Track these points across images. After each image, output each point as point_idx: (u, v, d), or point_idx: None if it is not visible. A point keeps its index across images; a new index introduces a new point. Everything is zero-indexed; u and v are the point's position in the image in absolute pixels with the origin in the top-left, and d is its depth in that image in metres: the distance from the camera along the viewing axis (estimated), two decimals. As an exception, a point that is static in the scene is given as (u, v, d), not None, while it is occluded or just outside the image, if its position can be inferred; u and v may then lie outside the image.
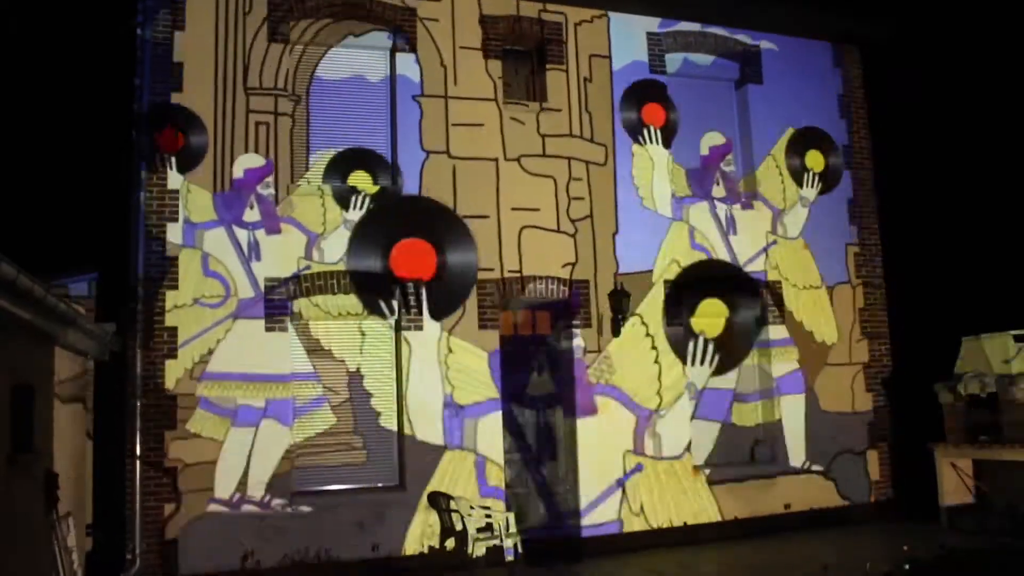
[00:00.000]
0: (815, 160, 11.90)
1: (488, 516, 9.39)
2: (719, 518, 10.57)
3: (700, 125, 11.66)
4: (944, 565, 8.21)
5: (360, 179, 10.11)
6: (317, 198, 9.77)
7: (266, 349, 9.30)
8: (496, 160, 10.37)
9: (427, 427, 9.67)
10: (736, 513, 10.67)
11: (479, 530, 9.29)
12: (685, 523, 10.41)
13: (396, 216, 9.93)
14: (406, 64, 10.26)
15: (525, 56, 11.02)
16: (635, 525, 10.20)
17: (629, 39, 11.21)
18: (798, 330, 11.40)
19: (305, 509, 9.13)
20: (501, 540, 9.11)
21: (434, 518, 9.50)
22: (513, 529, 9.26)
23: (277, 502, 9.06)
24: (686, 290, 10.93)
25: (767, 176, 11.64)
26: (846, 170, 12.05)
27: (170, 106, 9.35)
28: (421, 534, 9.45)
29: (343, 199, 9.82)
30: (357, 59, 10.36)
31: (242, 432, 9.09)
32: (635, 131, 11.03)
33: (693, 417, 10.90)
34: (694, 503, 10.52)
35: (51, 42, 11.20)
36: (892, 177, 12.45)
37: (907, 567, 8.05)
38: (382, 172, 10.16)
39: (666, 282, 10.80)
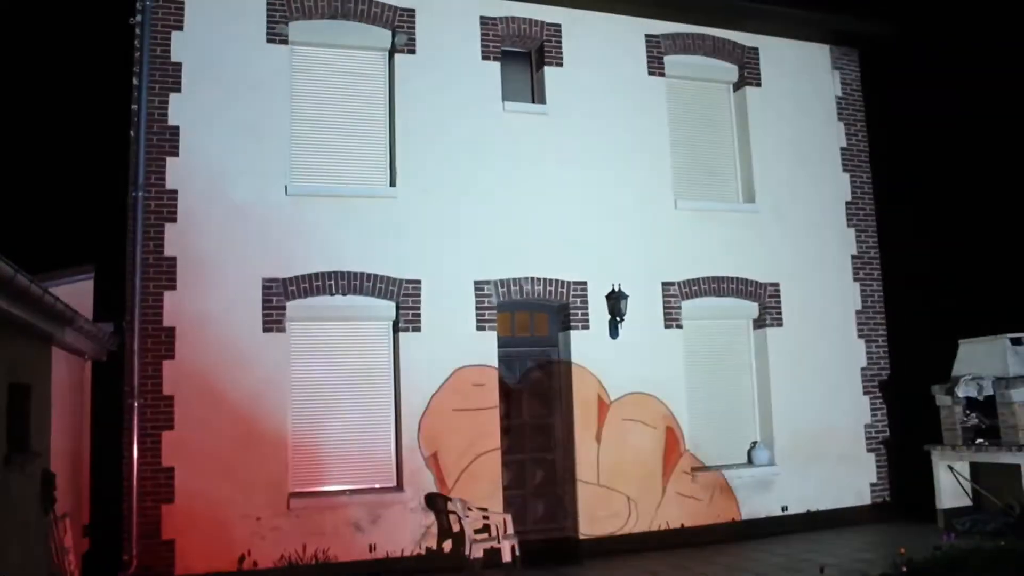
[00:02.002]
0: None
1: (486, 518, 9.39)
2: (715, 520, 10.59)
3: (698, 127, 11.70)
4: (940, 567, 8.20)
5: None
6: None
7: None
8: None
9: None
10: (732, 515, 10.70)
11: (477, 532, 9.29)
12: (682, 524, 10.42)
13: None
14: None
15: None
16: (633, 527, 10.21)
17: None
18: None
19: (302, 509, 9.13)
20: (498, 542, 9.10)
21: (431, 519, 9.50)
22: (510, 531, 9.25)
23: (274, 502, 9.05)
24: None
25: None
26: (844, 172, 12.08)
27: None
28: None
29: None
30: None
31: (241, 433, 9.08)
32: None
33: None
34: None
35: (50, 40, 11.20)
36: (890, 179, 12.47)
37: (904, 569, 8.05)
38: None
39: None
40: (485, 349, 10.00)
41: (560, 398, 10.50)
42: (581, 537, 10.02)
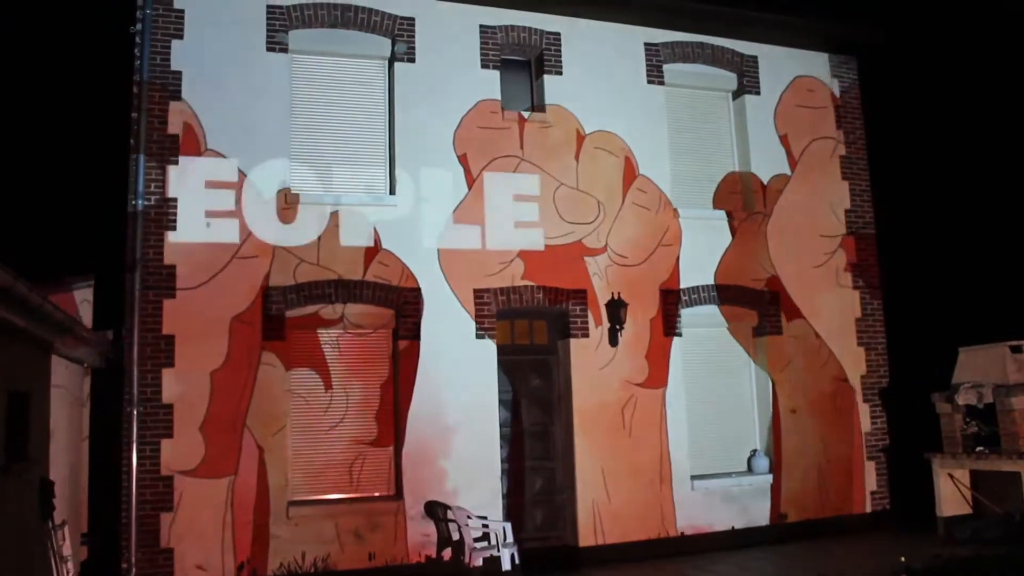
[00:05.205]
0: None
1: (485, 526, 9.37)
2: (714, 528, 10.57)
3: (697, 135, 11.72)
4: (940, 575, 8.20)
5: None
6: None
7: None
8: None
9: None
10: (732, 523, 10.68)
11: (476, 540, 9.27)
12: (682, 533, 10.40)
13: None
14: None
15: None
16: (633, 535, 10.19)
17: None
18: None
19: (301, 517, 9.11)
20: (498, 550, 9.08)
21: (431, 527, 9.48)
22: (510, 539, 9.23)
23: (274, 510, 9.04)
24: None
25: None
26: (844, 180, 12.09)
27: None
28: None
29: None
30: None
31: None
32: None
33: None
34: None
35: (50, 49, 11.23)
36: (889, 187, 12.48)
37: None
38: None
39: None
40: (485, 357, 9.99)
41: (560, 406, 10.49)
42: (580, 545, 10.00)
